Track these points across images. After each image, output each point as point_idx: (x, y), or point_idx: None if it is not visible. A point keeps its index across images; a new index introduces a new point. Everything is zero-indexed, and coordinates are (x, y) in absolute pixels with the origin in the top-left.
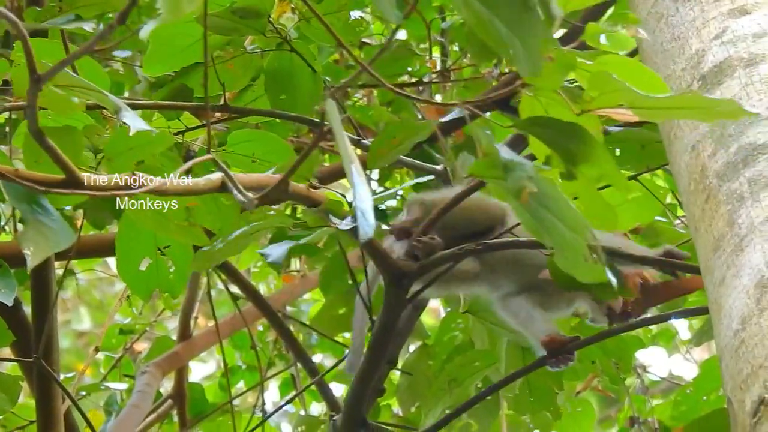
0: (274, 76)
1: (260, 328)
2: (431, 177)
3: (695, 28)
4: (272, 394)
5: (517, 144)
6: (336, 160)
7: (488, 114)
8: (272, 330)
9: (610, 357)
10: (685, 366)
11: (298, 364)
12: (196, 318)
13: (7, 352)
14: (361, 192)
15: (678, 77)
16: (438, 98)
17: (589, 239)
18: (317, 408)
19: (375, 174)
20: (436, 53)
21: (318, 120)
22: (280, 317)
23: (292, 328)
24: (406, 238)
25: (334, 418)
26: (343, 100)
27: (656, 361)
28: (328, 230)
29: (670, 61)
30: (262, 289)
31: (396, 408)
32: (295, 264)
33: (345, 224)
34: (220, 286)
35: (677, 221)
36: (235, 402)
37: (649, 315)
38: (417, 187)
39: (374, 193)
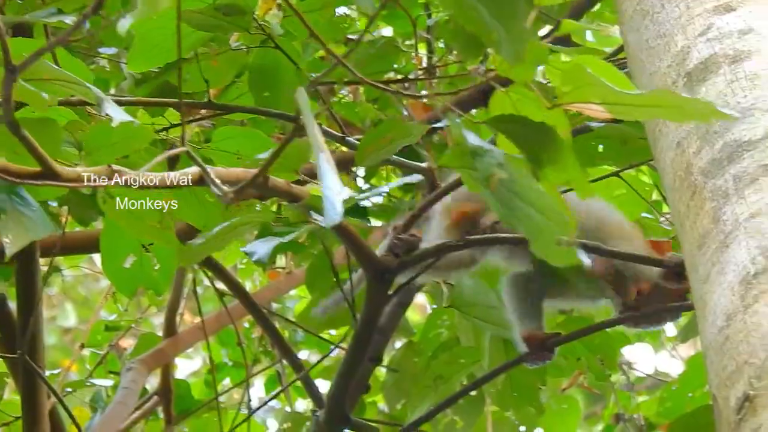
0: (258, 73)
1: (246, 324)
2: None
3: (680, 25)
4: (258, 390)
5: None
6: None
7: (474, 111)
8: (258, 327)
9: (596, 354)
10: (671, 363)
11: (284, 361)
12: (182, 315)
13: None
14: (329, 181)
15: (663, 74)
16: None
17: (563, 223)
18: (303, 405)
19: (361, 171)
20: (422, 50)
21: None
22: (266, 314)
23: (277, 325)
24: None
25: (317, 414)
26: (328, 97)
27: (642, 358)
28: (310, 226)
29: (655, 58)
30: (248, 286)
31: (382, 405)
32: (281, 261)
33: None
34: (206, 282)
35: (662, 218)
36: (221, 399)
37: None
38: (405, 186)
39: (360, 190)
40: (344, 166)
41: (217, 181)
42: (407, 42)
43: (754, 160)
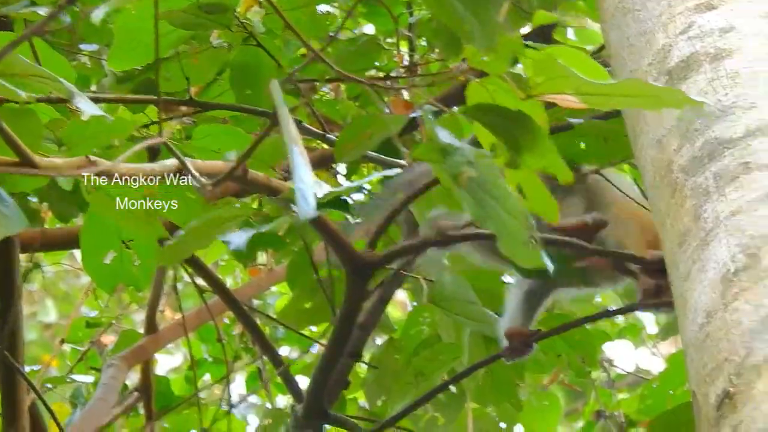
0: (239, 71)
1: (226, 321)
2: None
3: (662, 23)
4: (239, 387)
5: None
6: None
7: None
8: (239, 323)
9: (576, 350)
10: (651, 360)
11: (265, 357)
12: (163, 311)
13: None
14: (301, 173)
15: (644, 72)
16: (405, 93)
17: (528, 225)
18: (283, 401)
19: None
20: (404, 48)
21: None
22: (247, 310)
23: (258, 322)
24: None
25: (296, 408)
26: (310, 95)
27: (623, 355)
28: (287, 219)
29: (636, 56)
30: (229, 283)
31: (363, 401)
32: (262, 258)
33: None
34: (187, 278)
35: None
36: (202, 395)
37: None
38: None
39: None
40: (325, 163)
41: (197, 172)
42: (389, 40)
43: (735, 158)
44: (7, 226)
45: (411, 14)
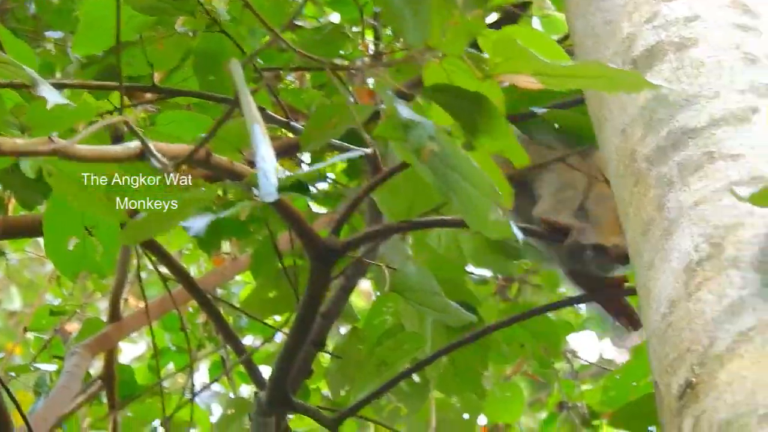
0: (203, 58)
1: (190, 309)
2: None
3: (627, 11)
4: (203, 376)
5: None
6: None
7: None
8: (202, 312)
9: (540, 341)
10: (615, 350)
11: (228, 346)
12: (126, 299)
13: None
14: (263, 152)
15: (609, 61)
16: (370, 82)
17: (494, 195)
18: (247, 390)
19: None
20: (369, 37)
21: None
22: (211, 299)
23: (222, 311)
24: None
25: (259, 396)
26: (275, 83)
27: (587, 346)
28: (248, 203)
29: (601, 45)
30: (193, 271)
31: (326, 391)
32: (226, 246)
33: (268, 194)
34: (151, 267)
35: None
36: (165, 384)
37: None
38: (349, 171)
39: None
40: (290, 151)
41: (158, 154)
42: (354, 28)
43: (699, 147)
44: None
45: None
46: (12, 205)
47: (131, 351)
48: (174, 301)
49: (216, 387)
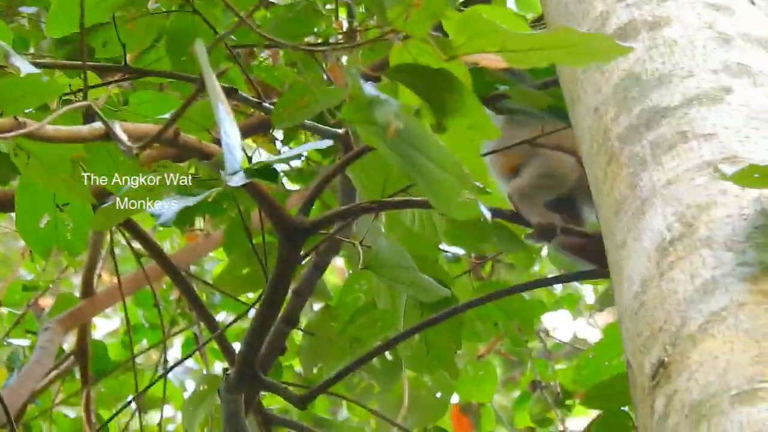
0: (175, 38)
1: (164, 286)
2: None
3: None
4: (175, 352)
5: None
6: (239, 119)
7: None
8: (175, 288)
9: (513, 319)
10: (589, 330)
11: (201, 323)
12: (100, 275)
13: None
14: (227, 129)
15: None
16: (344, 60)
17: (461, 176)
18: (221, 367)
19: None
20: (343, 14)
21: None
22: (184, 276)
23: (195, 287)
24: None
25: (228, 373)
26: (248, 60)
27: (560, 325)
28: (219, 188)
29: (574, 23)
30: (166, 248)
31: (299, 368)
32: (199, 223)
33: (234, 179)
34: (124, 243)
35: None
36: (138, 359)
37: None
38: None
39: (278, 153)
40: (263, 128)
41: (123, 135)
42: (328, 6)
43: (672, 126)
44: None
45: None
46: None
47: (105, 326)
48: (147, 277)
49: (189, 363)
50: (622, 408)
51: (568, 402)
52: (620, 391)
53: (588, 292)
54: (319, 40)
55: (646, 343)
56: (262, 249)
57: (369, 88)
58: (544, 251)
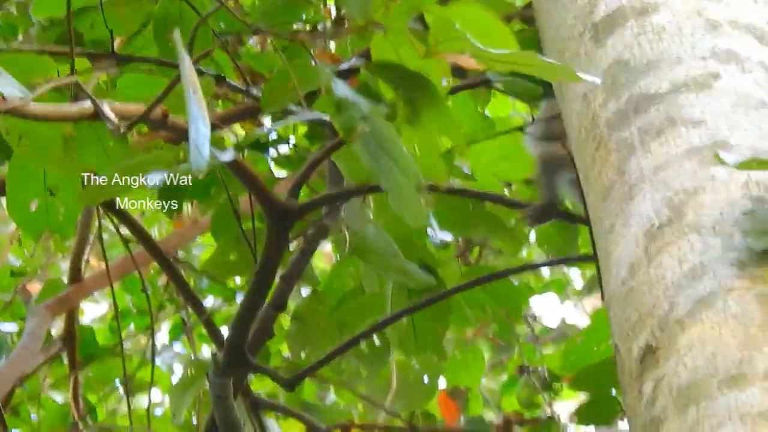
0: (163, 23)
1: (151, 271)
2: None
3: None
4: (163, 337)
5: None
6: (228, 105)
7: None
8: (163, 273)
9: (501, 304)
10: (577, 315)
11: (189, 308)
12: (88, 260)
13: None
14: (198, 122)
15: (570, 26)
16: (332, 46)
17: (418, 184)
18: (209, 351)
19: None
20: (331, 2)
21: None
22: (172, 261)
23: (183, 272)
24: None
25: (216, 357)
26: (236, 47)
27: (548, 310)
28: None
29: (562, 10)
30: (154, 233)
31: (287, 353)
32: (187, 209)
33: (225, 155)
34: (112, 228)
35: None
36: (126, 344)
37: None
38: (310, 135)
39: (266, 136)
40: (251, 114)
41: (111, 114)
42: None
43: (660, 112)
44: None
45: None
46: None
47: (92, 312)
48: (135, 262)
49: (177, 348)
50: (611, 392)
51: (556, 386)
52: (608, 376)
53: (576, 277)
54: (308, 28)
55: (634, 327)
56: (252, 234)
57: (340, 89)
58: (532, 237)
